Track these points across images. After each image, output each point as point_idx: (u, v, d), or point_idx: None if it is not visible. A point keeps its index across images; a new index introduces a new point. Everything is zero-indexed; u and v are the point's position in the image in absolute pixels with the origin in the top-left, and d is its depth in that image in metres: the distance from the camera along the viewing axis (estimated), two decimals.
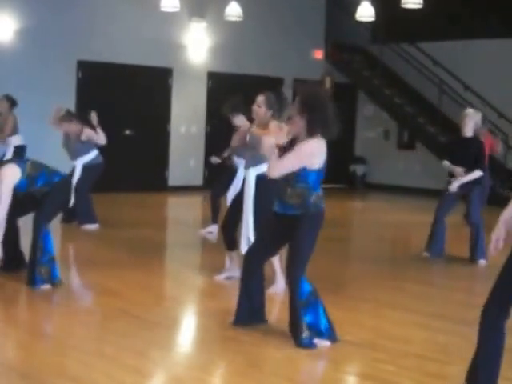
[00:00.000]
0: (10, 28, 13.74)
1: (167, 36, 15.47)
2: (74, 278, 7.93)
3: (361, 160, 18.51)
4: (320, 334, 5.43)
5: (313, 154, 5.30)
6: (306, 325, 5.37)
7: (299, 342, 5.36)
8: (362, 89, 18.33)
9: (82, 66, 14.57)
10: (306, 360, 5.25)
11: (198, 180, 15.88)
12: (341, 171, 18.03)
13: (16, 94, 12.08)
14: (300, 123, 5.31)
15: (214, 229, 10.38)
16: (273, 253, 6.04)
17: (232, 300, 6.93)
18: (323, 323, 5.46)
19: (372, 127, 18.48)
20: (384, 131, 18.18)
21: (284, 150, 5.43)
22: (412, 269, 8.72)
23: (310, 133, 5.30)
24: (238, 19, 14.13)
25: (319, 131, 5.30)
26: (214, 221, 10.37)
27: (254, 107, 7.05)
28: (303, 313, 5.37)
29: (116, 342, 5.42)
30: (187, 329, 6.34)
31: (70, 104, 14.23)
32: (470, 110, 9.20)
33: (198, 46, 15.96)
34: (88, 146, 10.36)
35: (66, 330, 5.80)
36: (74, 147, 10.31)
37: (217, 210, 10.37)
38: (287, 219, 5.43)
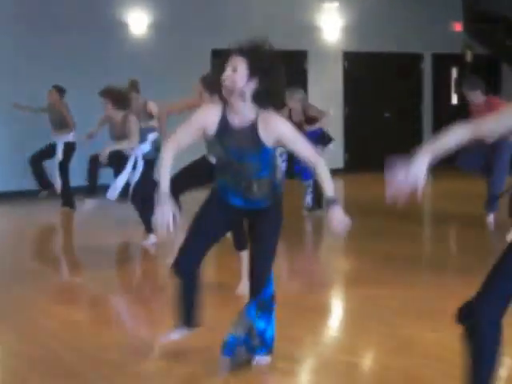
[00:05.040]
0: (143, 22, 13.93)
1: (300, 19, 15.26)
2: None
3: None
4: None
5: None
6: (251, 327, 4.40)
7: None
8: (506, 61, 17.52)
9: (217, 55, 14.57)
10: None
11: (339, 163, 15.59)
12: None
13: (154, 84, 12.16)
14: None
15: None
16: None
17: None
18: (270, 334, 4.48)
19: None
20: None
21: None
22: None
23: None
24: None
25: None
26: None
27: (196, 101, 6.42)
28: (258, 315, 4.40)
29: None
30: (337, 314, 6.16)
31: None
32: None
33: (331, 27, 15.68)
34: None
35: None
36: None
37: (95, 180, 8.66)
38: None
